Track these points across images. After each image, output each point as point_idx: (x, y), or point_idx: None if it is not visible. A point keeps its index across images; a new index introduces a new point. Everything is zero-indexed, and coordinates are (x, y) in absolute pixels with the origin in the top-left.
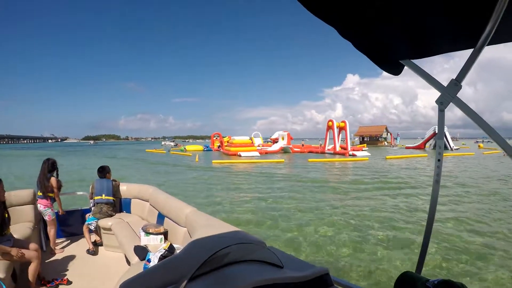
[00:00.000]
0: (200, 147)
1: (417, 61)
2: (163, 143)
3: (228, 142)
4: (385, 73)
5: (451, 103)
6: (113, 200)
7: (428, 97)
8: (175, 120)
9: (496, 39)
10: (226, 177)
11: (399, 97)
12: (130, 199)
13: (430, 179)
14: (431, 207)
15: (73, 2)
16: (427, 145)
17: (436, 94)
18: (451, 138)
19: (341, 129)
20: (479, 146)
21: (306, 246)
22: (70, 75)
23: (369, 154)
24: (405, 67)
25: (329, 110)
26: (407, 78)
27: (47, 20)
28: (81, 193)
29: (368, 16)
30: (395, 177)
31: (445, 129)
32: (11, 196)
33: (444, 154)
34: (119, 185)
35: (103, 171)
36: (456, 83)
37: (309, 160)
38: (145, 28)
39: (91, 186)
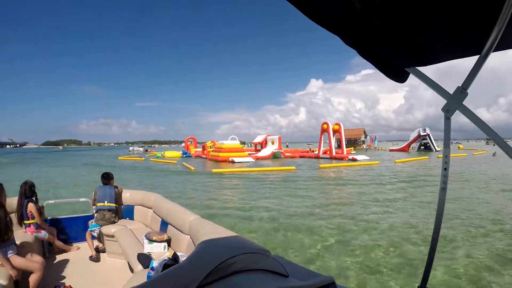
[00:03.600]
0: (178, 153)
1: (422, 69)
2: (131, 148)
3: (214, 147)
4: (347, 78)
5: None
6: (116, 207)
7: (390, 101)
8: (138, 125)
9: (502, 45)
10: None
11: (362, 102)
12: (133, 206)
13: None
14: (438, 216)
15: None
16: (411, 147)
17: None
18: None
19: (335, 132)
20: (458, 147)
21: None
22: (27, 77)
23: (369, 158)
24: (411, 75)
25: (292, 115)
26: (369, 83)
27: (4, 17)
28: (83, 199)
29: (374, 26)
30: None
31: (428, 131)
32: (13, 201)
33: (439, 156)
34: (121, 192)
35: (107, 178)
36: (462, 90)
37: (321, 165)
38: (106, 29)
39: (93, 193)
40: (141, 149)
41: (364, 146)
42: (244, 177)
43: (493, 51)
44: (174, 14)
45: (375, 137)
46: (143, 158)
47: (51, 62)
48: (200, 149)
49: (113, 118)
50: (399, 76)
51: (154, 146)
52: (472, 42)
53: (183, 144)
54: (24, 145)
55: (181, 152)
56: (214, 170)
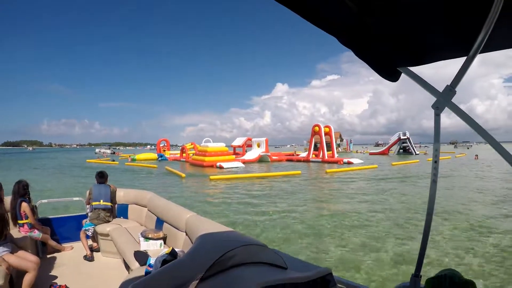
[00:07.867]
0: (153, 155)
1: (413, 68)
2: (97, 150)
3: (196, 150)
4: (312, 83)
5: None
6: (111, 206)
7: (354, 106)
8: (101, 126)
9: (488, 48)
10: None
11: (326, 106)
12: (127, 204)
13: None
14: (429, 207)
15: None
16: (391, 150)
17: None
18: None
19: (325, 134)
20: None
21: None
22: None
23: (363, 161)
24: (402, 74)
25: (258, 118)
26: (333, 88)
27: None
28: (77, 198)
29: (370, 27)
30: None
31: (408, 135)
32: (7, 201)
33: (429, 159)
34: (116, 191)
35: (103, 177)
36: (450, 89)
37: (327, 171)
38: (69, 25)
39: (88, 192)
40: (109, 151)
41: (340, 149)
42: (255, 185)
43: (479, 53)
44: (138, 14)
45: (351, 140)
46: (117, 162)
47: (10, 58)
48: (175, 151)
49: (75, 119)
50: (391, 75)
51: (119, 148)
52: (460, 44)
53: (148, 147)
54: None
55: (157, 154)
56: (212, 177)
